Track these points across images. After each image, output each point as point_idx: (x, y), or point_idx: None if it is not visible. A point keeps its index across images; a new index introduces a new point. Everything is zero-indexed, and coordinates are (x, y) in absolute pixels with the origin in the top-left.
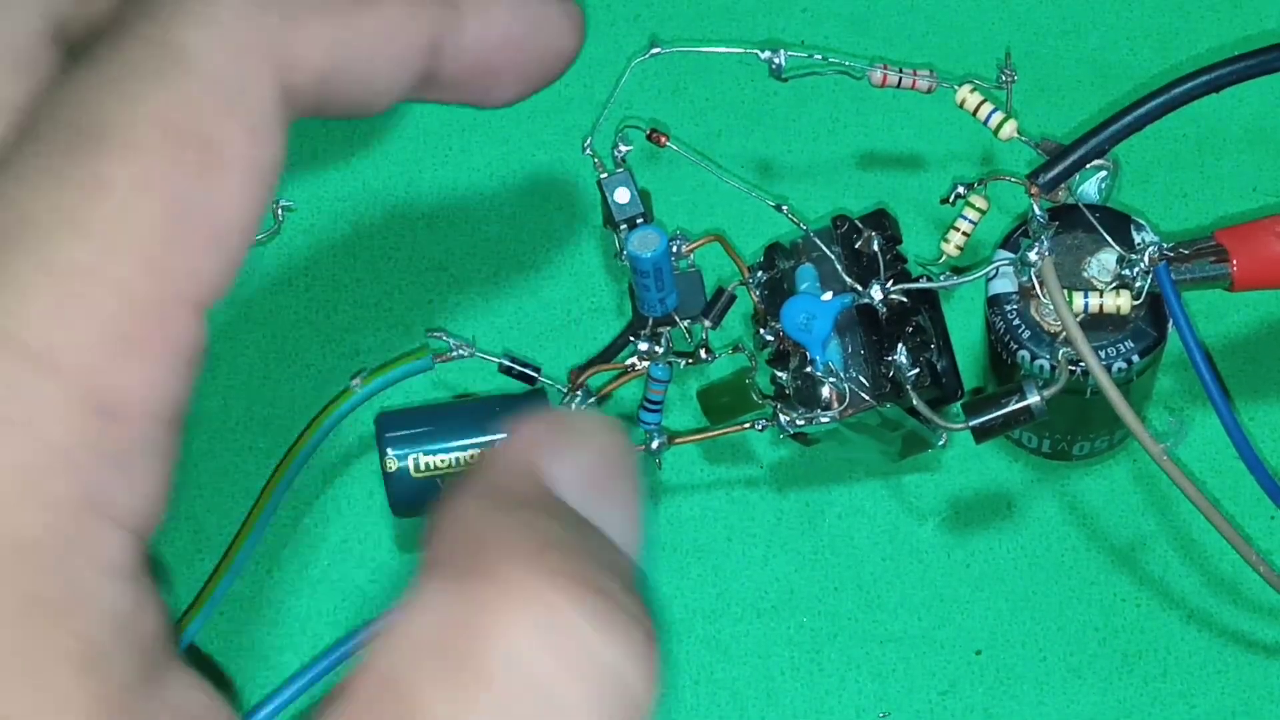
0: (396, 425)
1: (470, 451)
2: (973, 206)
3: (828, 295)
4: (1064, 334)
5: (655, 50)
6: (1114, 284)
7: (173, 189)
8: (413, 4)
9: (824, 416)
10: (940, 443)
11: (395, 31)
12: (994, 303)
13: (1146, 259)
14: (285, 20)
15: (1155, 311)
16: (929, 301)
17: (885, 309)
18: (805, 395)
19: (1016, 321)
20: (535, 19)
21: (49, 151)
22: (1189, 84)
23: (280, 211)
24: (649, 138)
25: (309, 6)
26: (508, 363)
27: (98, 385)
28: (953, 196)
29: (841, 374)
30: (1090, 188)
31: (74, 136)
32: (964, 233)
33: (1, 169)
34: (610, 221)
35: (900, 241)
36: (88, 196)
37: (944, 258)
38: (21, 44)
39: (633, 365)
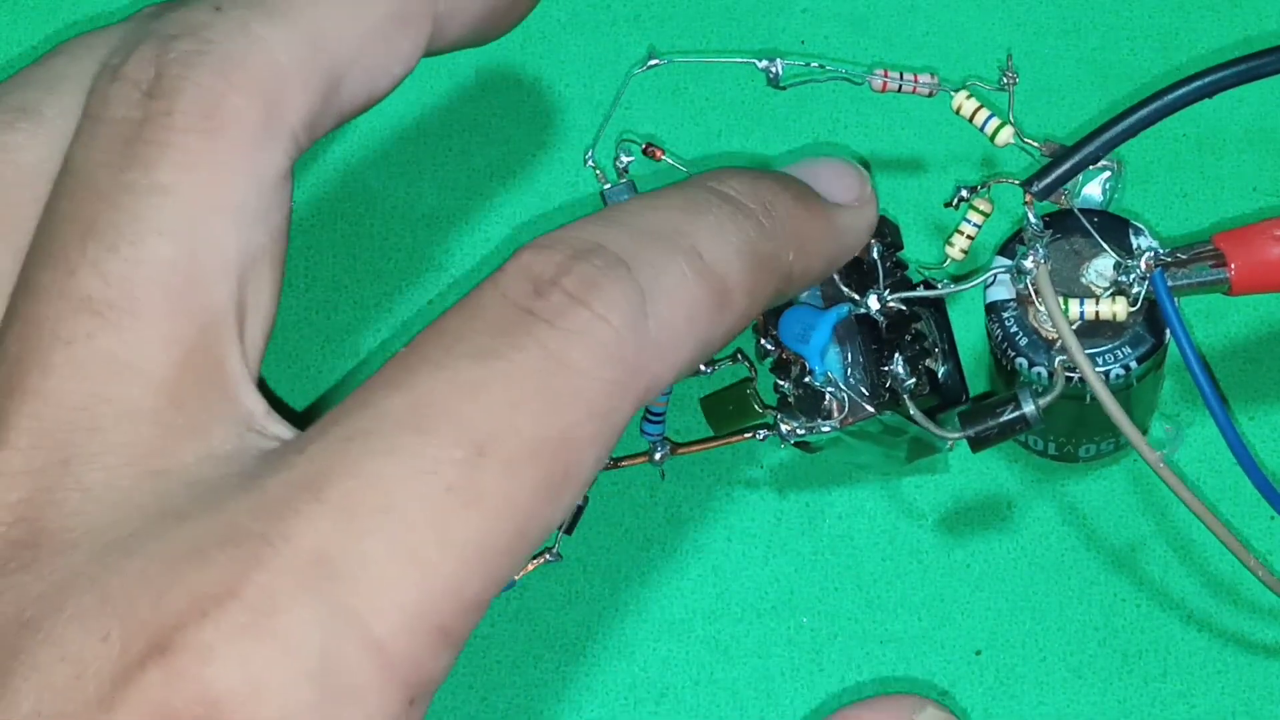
0: None
1: None
2: (976, 209)
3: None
4: (1060, 341)
5: (653, 62)
6: (1111, 290)
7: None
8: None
9: (825, 426)
10: (947, 446)
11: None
12: (992, 310)
13: (1143, 265)
14: (653, 346)
15: (1154, 317)
16: (934, 306)
17: (884, 317)
18: (807, 404)
19: (1014, 328)
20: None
21: (388, 434)
22: (1184, 89)
23: None
24: (645, 152)
25: (674, 335)
26: None
27: (414, 677)
28: (956, 200)
29: (841, 383)
30: (1095, 190)
31: (418, 423)
32: (968, 236)
33: (341, 429)
34: None
35: (901, 248)
36: (443, 499)
37: (948, 261)
38: (270, 183)
39: None
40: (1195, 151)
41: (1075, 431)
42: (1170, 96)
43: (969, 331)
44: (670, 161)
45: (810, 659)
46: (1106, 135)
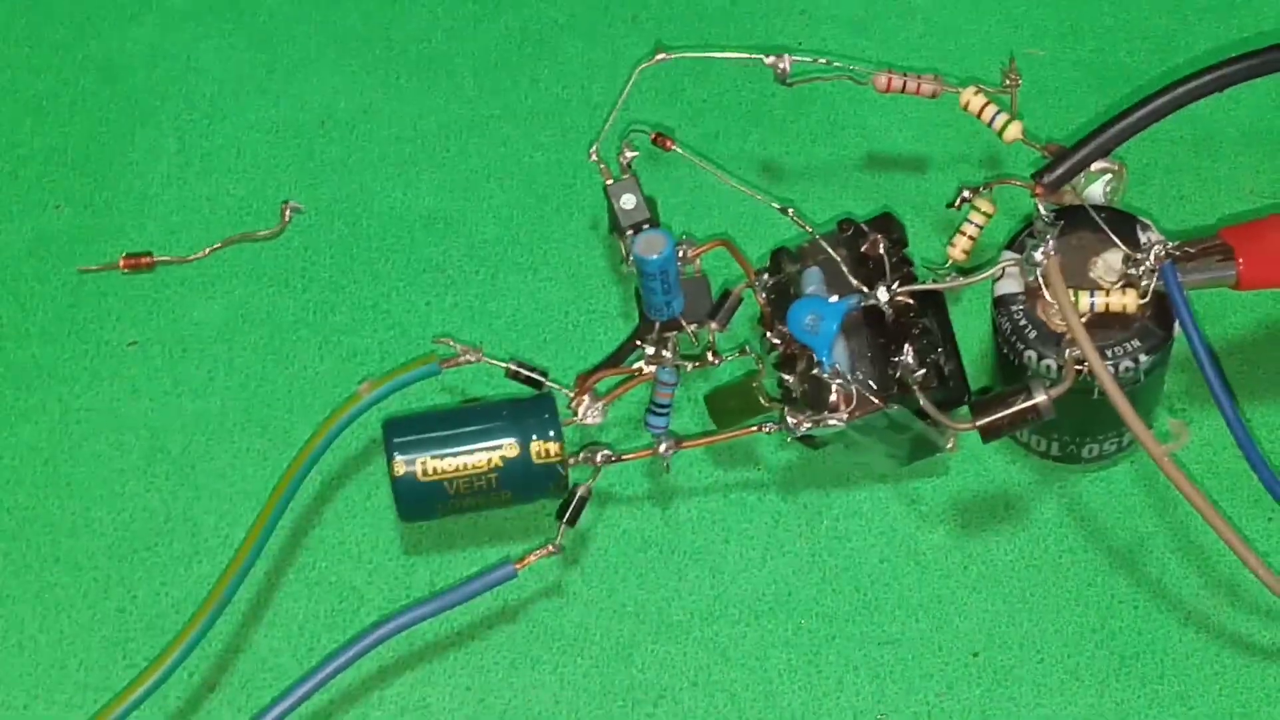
0: (404, 430)
1: (478, 456)
2: (978, 211)
3: (834, 298)
4: (1070, 333)
5: (661, 56)
6: (1120, 283)
7: None
8: None
9: (832, 419)
10: (948, 446)
11: None
12: (1000, 303)
13: (1152, 258)
14: None
15: (1162, 311)
16: (935, 305)
17: (891, 311)
18: (813, 398)
19: (1023, 322)
20: None
21: None
22: (1194, 83)
23: (289, 213)
24: (654, 141)
25: None
26: (515, 367)
27: None
28: (958, 201)
29: (849, 375)
30: (1096, 191)
31: None
32: (970, 237)
33: None
34: (617, 228)
35: (906, 244)
36: None
37: (950, 262)
38: None
39: (639, 370)
40: (1192, 154)
41: (1081, 429)
42: (1180, 90)
43: (968, 334)
44: (680, 151)
45: (808, 661)
46: (1116, 128)
